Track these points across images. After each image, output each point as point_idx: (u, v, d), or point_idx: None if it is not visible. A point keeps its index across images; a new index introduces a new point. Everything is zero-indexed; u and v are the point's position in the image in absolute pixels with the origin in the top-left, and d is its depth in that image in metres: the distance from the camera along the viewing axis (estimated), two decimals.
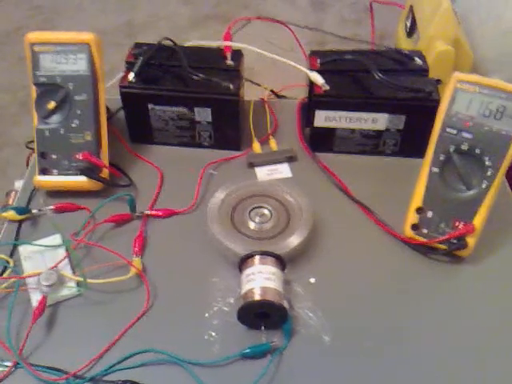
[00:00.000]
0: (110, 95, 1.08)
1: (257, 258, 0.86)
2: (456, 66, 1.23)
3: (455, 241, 0.91)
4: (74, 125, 0.99)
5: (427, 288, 0.91)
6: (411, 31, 1.43)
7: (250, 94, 1.22)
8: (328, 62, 1.09)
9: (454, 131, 0.88)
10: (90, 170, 1.00)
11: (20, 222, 0.98)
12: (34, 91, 0.99)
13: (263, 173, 1.09)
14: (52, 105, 0.98)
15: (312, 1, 2.85)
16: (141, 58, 1.06)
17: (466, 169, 0.88)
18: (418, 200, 0.93)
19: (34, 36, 0.98)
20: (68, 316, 0.86)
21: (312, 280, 0.90)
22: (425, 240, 0.93)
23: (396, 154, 1.11)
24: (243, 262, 0.87)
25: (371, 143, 1.09)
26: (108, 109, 1.11)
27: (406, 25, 1.47)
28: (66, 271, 0.89)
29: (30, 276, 0.88)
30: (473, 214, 0.89)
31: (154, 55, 1.08)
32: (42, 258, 0.92)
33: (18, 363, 0.79)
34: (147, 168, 1.09)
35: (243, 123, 1.15)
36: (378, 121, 1.05)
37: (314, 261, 0.94)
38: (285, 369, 0.80)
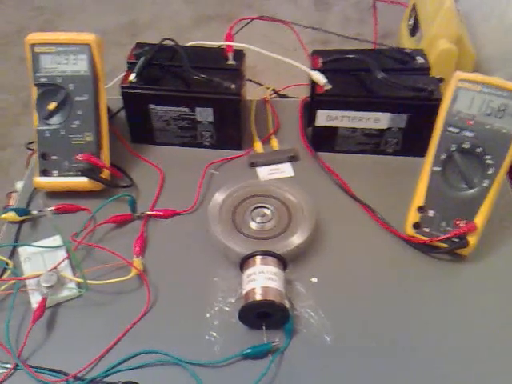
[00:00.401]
0: (111, 95, 1.08)
1: (258, 257, 0.86)
2: (458, 64, 1.23)
3: (457, 239, 0.90)
4: (74, 125, 0.99)
5: (429, 287, 0.90)
6: (414, 30, 1.43)
7: (252, 93, 1.22)
8: (330, 62, 1.09)
9: (456, 130, 0.88)
10: (91, 171, 1.00)
11: (20, 223, 0.98)
12: (34, 92, 0.99)
13: (265, 172, 1.08)
14: (52, 105, 0.98)
15: (315, 0, 2.85)
16: (142, 58, 1.06)
17: (467, 167, 0.88)
18: (419, 199, 0.92)
19: (34, 37, 0.98)
20: (68, 317, 0.86)
21: (314, 279, 0.90)
22: (426, 239, 0.93)
23: (398, 153, 1.10)
24: (244, 261, 0.87)
25: (373, 142, 1.09)
26: (109, 109, 1.11)
27: (408, 24, 1.47)
28: (67, 272, 0.89)
29: (29, 278, 0.87)
30: (474, 213, 0.89)
31: (155, 55, 1.08)
32: (42, 259, 0.92)
33: (17, 365, 0.79)
34: (148, 168, 1.09)
35: (245, 123, 1.15)
36: (379, 120, 1.05)
37: (316, 260, 0.93)
38: (286, 369, 0.80)
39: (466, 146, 0.87)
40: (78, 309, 0.87)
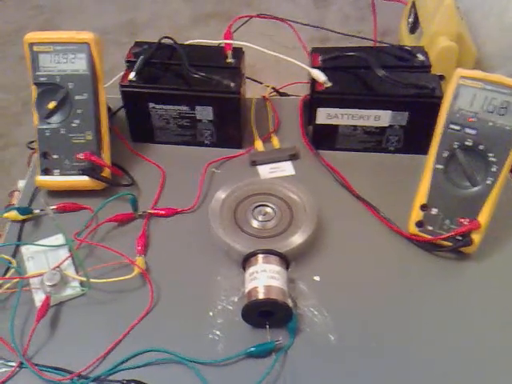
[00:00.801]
0: (111, 94, 1.08)
1: (260, 256, 0.86)
2: (459, 61, 1.23)
3: (460, 238, 0.90)
4: (74, 124, 0.99)
5: (432, 285, 0.90)
6: (414, 27, 1.43)
7: (252, 91, 1.22)
8: (330, 59, 1.09)
9: (458, 127, 0.87)
10: (92, 170, 1.00)
11: (22, 222, 0.98)
12: (34, 91, 0.99)
13: (266, 171, 1.08)
14: (52, 105, 0.98)
15: None
16: (141, 56, 1.06)
17: (470, 165, 0.88)
18: (422, 197, 0.92)
19: (33, 36, 0.98)
20: (72, 316, 0.86)
21: (317, 278, 0.90)
22: (430, 237, 0.93)
23: (399, 151, 1.10)
24: (247, 260, 0.87)
25: (374, 140, 1.09)
26: (109, 108, 1.11)
27: (408, 21, 1.47)
28: (70, 271, 0.89)
29: (33, 276, 0.87)
30: (478, 211, 0.88)
31: (154, 54, 1.08)
32: (45, 258, 0.91)
33: (22, 363, 0.79)
34: (149, 167, 1.09)
35: (245, 121, 1.15)
36: (380, 118, 1.05)
37: (319, 259, 0.93)
38: (290, 368, 0.80)
39: (469, 143, 0.87)
40: (82, 307, 0.87)
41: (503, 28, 1.29)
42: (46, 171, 1.00)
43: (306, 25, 1.25)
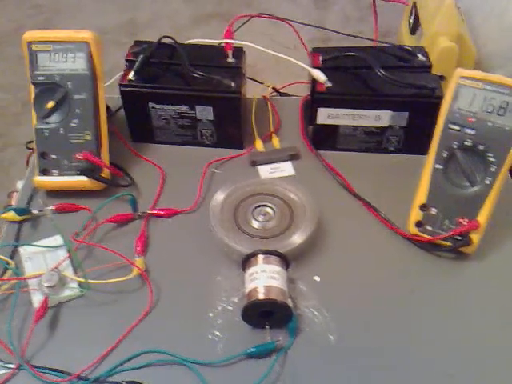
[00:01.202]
0: (110, 94, 1.08)
1: (260, 256, 0.85)
2: (459, 62, 1.23)
3: (460, 237, 0.90)
4: (73, 124, 0.98)
5: (432, 285, 0.90)
6: (414, 28, 1.43)
7: (253, 91, 1.21)
8: (330, 59, 1.09)
9: (457, 127, 0.87)
10: (91, 170, 0.99)
11: (20, 222, 0.98)
12: (32, 90, 0.99)
13: (266, 171, 1.08)
14: (51, 104, 0.97)
15: None
16: (141, 56, 1.06)
17: (469, 165, 0.88)
18: (421, 197, 0.92)
19: (31, 35, 0.97)
20: (70, 317, 0.85)
21: (317, 278, 0.90)
22: (429, 237, 0.93)
23: (399, 151, 1.10)
24: (246, 260, 0.86)
25: (374, 140, 1.09)
26: (108, 107, 1.10)
27: (409, 22, 1.47)
28: (68, 272, 0.89)
29: (31, 277, 0.87)
30: (477, 211, 0.88)
31: (154, 53, 1.07)
32: (44, 258, 0.91)
33: (20, 365, 0.79)
34: (149, 167, 1.08)
35: (245, 121, 1.14)
36: (380, 118, 1.05)
37: (319, 259, 0.93)
38: (290, 368, 0.79)
39: (468, 143, 0.87)
40: (80, 308, 0.86)
41: (503, 28, 1.29)
42: (45, 171, 1.00)
43: (306, 25, 1.25)
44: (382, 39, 1.37)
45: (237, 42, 1.08)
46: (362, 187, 1.03)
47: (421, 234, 0.93)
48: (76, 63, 0.97)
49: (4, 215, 0.97)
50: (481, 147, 0.86)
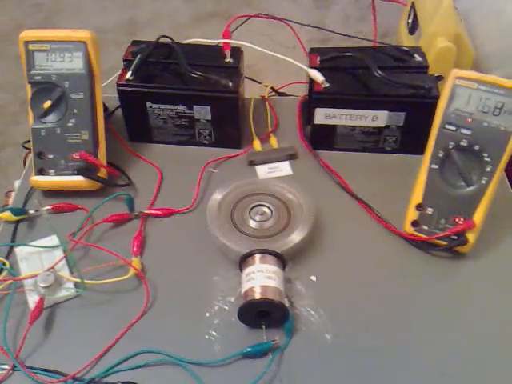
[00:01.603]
0: (108, 93, 1.08)
1: (257, 256, 0.85)
2: (457, 62, 1.22)
3: (455, 237, 0.90)
4: (70, 124, 0.98)
5: (428, 284, 0.90)
6: (413, 28, 1.43)
7: (251, 91, 1.21)
8: (328, 60, 1.09)
9: (453, 128, 0.87)
10: (88, 170, 0.99)
11: (17, 222, 0.98)
12: (29, 90, 0.99)
13: (264, 171, 1.08)
14: (48, 104, 0.97)
15: None
16: (138, 55, 1.05)
17: (465, 165, 0.88)
18: (417, 197, 0.92)
19: (28, 34, 0.97)
20: (66, 317, 0.85)
21: (313, 278, 0.90)
22: (425, 236, 0.93)
23: (396, 151, 1.10)
24: (243, 260, 0.86)
25: (371, 140, 1.09)
26: (106, 107, 1.10)
27: (408, 22, 1.46)
28: (64, 272, 0.89)
29: (26, 278, 0.87)
30: (473, 210, 0.89)
31: (152, 53, 1.07)
32: (39, 259, 0.91)
33: (15, 366, 0.79)
34: (146, 167, 1.08)
35: (243, 121, 1.14)
36: (378, 118, 1.05)
37: (315, 258, 0.93)
38: (286, 367, 0.79)
39: (464, 143, 0.87)
40: (76, 309, 0.86)
41: (501, 28, 1.29)
42: (41, 171, 1.00)
43: (304, 25, 1.25)
44: (381, 39, 1.37)
45: (235, 42, 1.08)
46: (359, 187, 1.03)
47: (417, 233, 0.93)
48: (73, 63, 0.97)
49: (0, 215, 0.97)
50: (476, 147, 0.86)
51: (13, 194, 1.05)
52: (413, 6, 1.42)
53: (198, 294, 0.87)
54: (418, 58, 1.08)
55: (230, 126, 1.09)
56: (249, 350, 0.80)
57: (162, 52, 1.09)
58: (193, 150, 1.12)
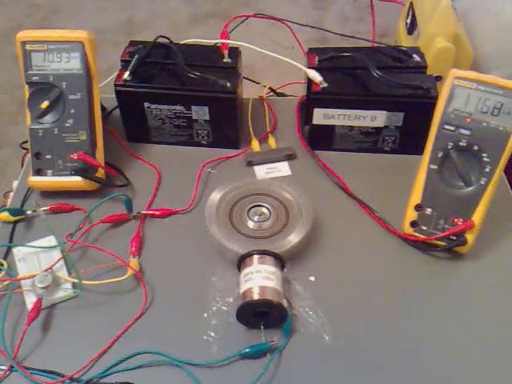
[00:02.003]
0: (106, 93, 1.08)
1: (255, 257, 0.85)
2: (456, 62, 1.22)
3: (454, 237, 0.90)
4: (68, 124, 0.98)
5: (427, 285, 0.90)
6: (411, 28, 1.43)
7: (249, 91, 1.21)
8: (326, 60, 1.08)
9: (452, 128, 0.87)
10: (86, 170, 0.99)
11: (14, 223, 0.98)
12: (26, 90, 0.98)
13: (262, 171, 1.08)
14: (45, 104, 0.97)
15: None
16: (136, 56, 1.05)
17: (464, 165, 0.88)
18: (416, 197, 0.92)
19: (25, 34, 0.97)
20: (64, 318, 0.85)
21: (312, 278, 0.90)
22: (424, 237, 0.92)
23: (395, 151, 1.10)
24: (242, 261, 0.86)
25: (370, 140, 1.09)
26: (104, 107, 1.10)
27: (406, 22, 1.46)
28: (62, 273, 0.89)
29: (24, 278, 0.87)
30: (472, 211, 0.88)
31: (149, 53, 1.07)
32: (37, 259, 0.91)
33: (12, 367, 0.78)
34: (144, 167, 1.08)
35: (242, 121, 1.14)
36: (376, 118, 1.04)
37: (314, 259, 0.93)
38: (284, 368, 0.79)
39: (463, 143, 0.87)
40: (74, 309, 0.86)
41: (500, 28, 1.29)
42: (39, 171, 0.99)
43: (303, 25, 1.25)
44: (380, 39, 1.37)
45: (233, 42, 1.08)
46: (357, 187, 1.03)
47: (416, 233, 0.93)
48: (70, 63, 0.97)
49: None
50: (476, 147, 0.86)
51: (11, 194, 1.05)
52: (411, 6, 1.42)
53: (196, 295, 0.87)
54: (416, 58, 1.08)
55: (228, 126, 1.09)
56: (247, 350, 0.80)
57: (159, 52, 1.09)
58: (191, 150, 1.12)
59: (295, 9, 2.78)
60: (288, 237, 0.91)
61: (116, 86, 1.05)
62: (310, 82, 1.06)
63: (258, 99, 1.22)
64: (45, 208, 0.98)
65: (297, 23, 1.22)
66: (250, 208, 0.96)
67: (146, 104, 1.06)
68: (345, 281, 0.90)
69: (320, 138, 1.10)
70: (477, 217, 0.88)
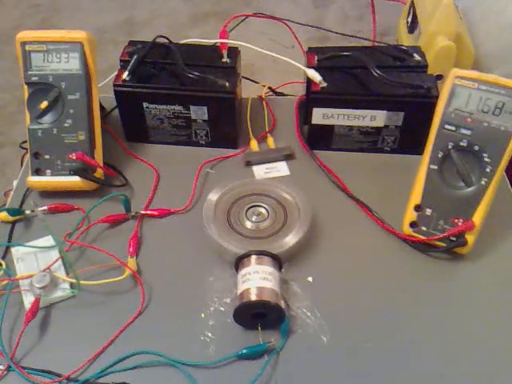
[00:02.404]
0: (106, 93, 1.08)
1: (253, 257, 0.85)
2: (457, 61, 1.22)
3: (454, 238, 0.90)
4: (67, 124, 0.98)
5: (427, 286, 0.90)
6: (412, 27, 1.42)
7: (248, 91, 1.21)
8: (325, 59, 1.08)
9: (453, 128, 0.87)
10: (84, 170, 0.99)
11: (13, 222, 0.98)
12: (26, 90, 0.98)
13: (261, 171, 1.08)
14: (44, 104, 0.97)
15: None
16: (135, 56, 1.05)
17: (464, 166, 0.87)
18: (416, 197, 0.92)
19: (25, 35, 0.97)
20: (61, 318, 0.85)
21: (310, 279, 0.90)
22: (424, 238, 0.92)
23: (395, 151, 1.09)
24: (239, 261, 0.86)
25: (370, 140, 1.08)
26: (103, 107, 1.10)
27: (407, 21, 1.46)
28: (60, 273, 0.88)
29: (22, 278, 0.87)
30: (472, 211, 0.88)
31: (148, 53, 1.07)
32: (35, 259, 0.91)
33: (9, 366, 0.78)
34: (143, 167, 1.08)
35: (240, 121, 1.14)
36: (376, 118, 1.04)
37: (312, 259, 0.93)
38: (282, 369, 0.79)
39: (464, 143, 0.86)
40: (72, 309, 0.86)
41: (502, 27, 1.29)
42: (38, 171, 0.99)
43: (303, 24, 1.24)
44: (380, 38, 1.37)
45: (232, 42, 1.08)
46: (357, 187, 1.03)
47: (415, 234, 0.93)
48: (70, 63, 0.97)
49: None
50: (476, 147, 0.86)
51: (11, 194, 1.05)
52: (412, 5, 1.42)
53: (194, 295, 0.86)
54: (417, 57, 1.07)
55: (227, 126, 1.09)
56: (244, 351, 0.79)
57: (158, 52, 1.08)
58: (189, 150, 1.12)
59: (295, 8, 2.77)
60: (286, 237, 0.91)
61: (115, 85, 1.05)
62: (309, 81, 1.05)
63: (257, 99, 1.22)
64: (43, 208, 0.98)
65: (297, 22, 1.22)
66: (249, 208, 0.95)
67: (145, 104, 1.06)
68: (343, 282, 0.90)
69: (319, 138, 1.10)
70: (477, 217, 0.88)
